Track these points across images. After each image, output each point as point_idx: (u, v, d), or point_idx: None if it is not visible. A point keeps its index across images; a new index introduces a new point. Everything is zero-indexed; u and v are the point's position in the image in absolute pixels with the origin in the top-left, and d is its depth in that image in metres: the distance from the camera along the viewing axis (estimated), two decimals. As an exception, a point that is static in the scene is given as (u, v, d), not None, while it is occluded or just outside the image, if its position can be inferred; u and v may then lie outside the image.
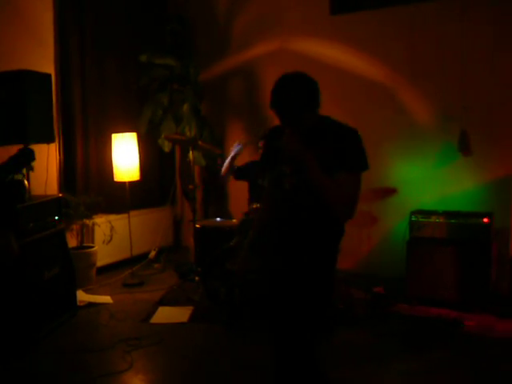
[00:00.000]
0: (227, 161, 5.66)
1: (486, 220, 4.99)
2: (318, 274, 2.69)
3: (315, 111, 2.68)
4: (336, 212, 2.63)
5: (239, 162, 5.76)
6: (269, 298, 2.82)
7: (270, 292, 2.81)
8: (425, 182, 5.78)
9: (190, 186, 5.75)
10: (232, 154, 5.62)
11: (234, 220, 5.93)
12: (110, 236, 6.15)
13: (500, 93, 5.46)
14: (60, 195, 5.39)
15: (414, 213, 5.29)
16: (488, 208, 5.32)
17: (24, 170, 4.87)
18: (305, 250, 2.68)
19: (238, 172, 5.72)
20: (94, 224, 6.15)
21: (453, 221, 5.11)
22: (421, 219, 5.23)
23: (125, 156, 6.08)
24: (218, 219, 6.10)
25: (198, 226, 5.63)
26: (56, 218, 4.97)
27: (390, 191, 5.49)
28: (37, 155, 5.34)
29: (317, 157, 2.57)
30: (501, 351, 4.18)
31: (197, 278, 5.56)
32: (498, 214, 5.25)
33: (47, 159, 5.61)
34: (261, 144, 5.63)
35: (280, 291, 2.73)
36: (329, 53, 6.36)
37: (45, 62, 5.89)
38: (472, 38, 5.55)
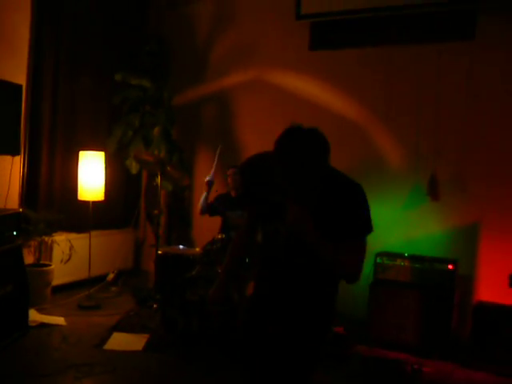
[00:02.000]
0: (201, 200, 5.71)
1: (450, 266, 4.99)
2: (313, 335, 2.58)
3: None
4: (343, 277, 2.53)
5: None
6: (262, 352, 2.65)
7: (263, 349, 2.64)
8: (392, 224, 5.77)
9: (155, 211, 5.65)
10: (205, 193, 5.68)
11: (197, 249, 5.83)
12: (68, 255, 5.99)
13: (472, 140, 5.51)
14: (20, 210, 5.23)
15: (379, 255, 5.26)
16: (453, 254, 5.33)
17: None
18: (300, 308, 2.57)
19: (211, 210, 5.81)
20: (52, 242, 5.99)
21: (417, 265, 5.10)
22: (386, 261, 5.21)
23: (91, 175, 5.95)
24: (181, 246, 5.99)
25: (159, 251, 5.52)
26: (14, 233, 4.81)
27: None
28: (0, 167, 5.22)
29: (321, 218, 2.42)
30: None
31: (155, 306, 5.43)
32: (462, 260, 5.27)
33: (10, 172, 5.49)
34: (229, 172, 5.62)
35: (273, 349, 2.60)
36: (304, 87, 6.38)
37: (17, 73, 5.78)
38: (447, 84, 5.62)
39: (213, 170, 5.82)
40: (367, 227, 2.51)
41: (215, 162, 5.86)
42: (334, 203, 2.46)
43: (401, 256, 5.22)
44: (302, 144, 2.41)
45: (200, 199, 5.78)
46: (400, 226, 5.77)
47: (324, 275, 2.53)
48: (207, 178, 5.72)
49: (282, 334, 2.57)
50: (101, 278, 6.64)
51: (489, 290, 5.30)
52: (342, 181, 2.57)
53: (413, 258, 5.17)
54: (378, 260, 5.22)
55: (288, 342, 2.56)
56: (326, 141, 2.48)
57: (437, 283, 5.01)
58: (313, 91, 6.32)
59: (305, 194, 2.47)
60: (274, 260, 2.62)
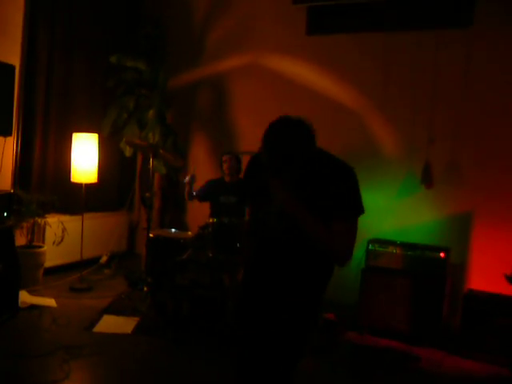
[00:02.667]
0: (186, 189, 5.64)
1: (442, 254, 4.98)
2: (304, 313, 2.60)
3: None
4: (333, 258, 2.54)
5: (200, 181, 5.75)
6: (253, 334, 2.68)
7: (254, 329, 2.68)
8: (385, 211, 5.76)
9: (147, 194, 5.62)
10: (187, 187, 5.60)
11: (189, 232, 5.82)
12: (61, 237, 5.96)
13: (467, 128, 5.49)
14: (11, 191, 5.20)
15: (371, 241, 5.25)
16: (446, 243, 5.32)
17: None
18: (294, 288, 2.59)
19: (200, 196, 5.74)
20: (45, 223, 5.96)
21: (409, 253, 5.09)
22: (378, 248, 5.20)
23: (84, 157, 5.91)
24: (173, 230, 5.97)
25: (151, 235, 5.50)
26: (5, 214, 4.79)
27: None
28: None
29: (310, 199, 2.46)
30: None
31: (146, 289, 5.42)
32: (455, 249, 5.26)
33: (3, 153, 5.47)
34: (224, 158, 5.59)
35: (264, 328, 2.62)
36: (301, 72, 6.33)
37: (11, 54, 5.73)
38: (443, 72, 5.59)
39: (194, 171, 5.73)
40: (358, 208, 2.52)
41: (186, 188, 5.72)
42: (325, 184, 2.48)
43: (393, 243, 5.21)
44: (287, 132, 2.45)
45: (185, 190, 5.69)
46: (393, 213, 5.76)
47: (317, 256, 2.54)
48: (186, 179, 5.61)
49: (273, 316, 2.59)
50: (93, 261, 6.63)
51: (480, 278, 5.30)
52: (334, 163, 2.56)
53: (405, 246, 5.16)
54: (370, 247, 5.21)
55: (278, 323, 2.57)
56: (310, 129, 2.51)
57: (428, 271, 5.00)
58: (309, 76, 6.28)
59: (292, 178, 2.48)
60: (267, 242, 2.65)
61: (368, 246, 5.22)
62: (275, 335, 2.58)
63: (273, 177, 2.47)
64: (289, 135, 2.45)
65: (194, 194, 5.68)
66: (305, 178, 2.50)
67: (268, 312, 2.61)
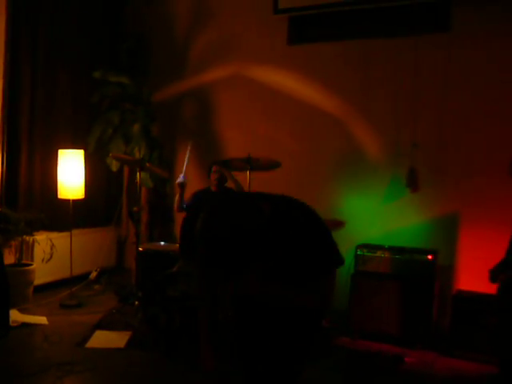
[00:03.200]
0: (176, 198, 5.65)
1: (430, 257, 5.02)
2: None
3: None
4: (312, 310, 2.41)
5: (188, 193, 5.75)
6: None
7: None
8: (372, 216, 5.82)
9: (135, 208, 5.62)
10: (178, 195, 5.61)
11: (178, 245, 5.82)
12: (50, 254, 5.97)
13: (449, 132, 5.56)
14: (-1, 210, 5.20)
15: (359, 247, 5.29)
16: (433, 245, 5.37)
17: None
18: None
19: (188, 209, 5.69)
20: (34, 241, 5.95)
21: (398, 256, 5.13)
22: (366, 253, 5.23)
23: (70, 173, 5.92)
24: (162, 243, 5.98)
25: (140, 249, 5.51)
26: (-7, 233, 4.79)
27: (338, 224, 5.48)
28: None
29: (282, 253, 2.25)
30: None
31: (137, 303, 5.42)
32: (442, 251, 5.32)
33: (-11, 172, 5.44)
34: (214, 169, 5.57)
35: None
36: (284, 81, 6.39)
37: (-7, 72, 5.74)
38: (425, 76, 5.66)
39: (183, 171, 5.73)
40: (336, 261, 2.34)
41: (186, 163, 5.74)
42: (294, 234, 2.26)
43: (381, 248, 5.26)
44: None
45: (175, 198, 5.70)
46: (380, 217, 5.81)
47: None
48: (178, 180, 5.61)
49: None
50: (83, 277, 6.61)
51: (469, 279, 5.35)
52: (291, 217, 2.30)
53: (393, 250, 5.20)
54: (359, 252, 5.25)
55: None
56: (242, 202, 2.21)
57: (417, 274, 5.04)
58: (292, 85, 6.34)
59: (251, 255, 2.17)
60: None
61: (356, 251, 5.26)
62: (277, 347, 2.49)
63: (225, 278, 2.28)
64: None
65: (184, 206, 5.67)
66: (271, 233, 2.21)
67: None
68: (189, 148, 5.72)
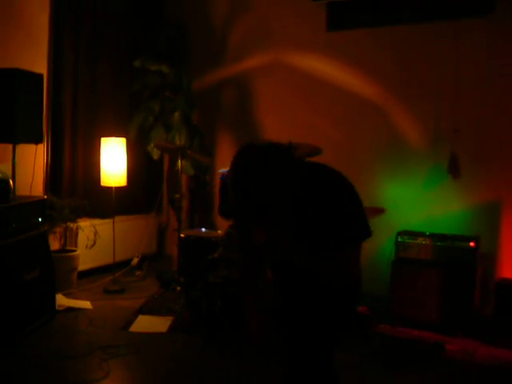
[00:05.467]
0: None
1: (472, 244, 4.97)
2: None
3: (298, 164, 2.24)
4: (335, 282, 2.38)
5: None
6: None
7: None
8: (413, 202, 5.77)
9: (177, 195, 5.69)
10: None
11: (219, 231, 5.87)
12: (93, 240, 6.09)
13: (491, 117, 5.47)
14: (45, 197, 5.32)
15: (400, 233, 5.27)
16: (475, 232, 5.30)
17: (10, 170, 4.84)
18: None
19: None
20: (77, 228, 6.08)
21: (439, 243, 5.09)
22: (407, 240, 5.20)
23: (113, 161, 6.02)
24: (203, 229, 6.04)
25: (182, 235, 5.58)
26: (39, 219, 4.90)
27: (379, 211, 5.46)
28: (24, 156, 5.35)
29: (307, 219, 2.27)
30: (482, 376, 4.16)
31: (178, 288, 5.50)
32: (484, 238, 5.25)
33: (34, 160, 5.57)
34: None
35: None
36: (323, 68, 6.36)
37: (38, 62, 5.86)
38: (466, 62, 5.57)
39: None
40: (363, 233, 2.29)
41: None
42: (325, 201, 2.26)
43: (422, 234, 5.21)
44: (255, 172, 2.12)
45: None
46: (421, 204, 5.76)
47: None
48: (221, 171, 5.65)
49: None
50: (125, 263, 6.73)
51: (511, 266, 5.29)
52: (330, 176, 2.34)
53: (434, 236, 5.16)
54: (400, 239, 5.22)
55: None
56: (282, 155, 2.21)
57: (458, 261, 4.99)
58: (331, 72, 6.31)
59: (279, 214, 2.20)
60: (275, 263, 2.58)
61: (397, 237, 5.23)
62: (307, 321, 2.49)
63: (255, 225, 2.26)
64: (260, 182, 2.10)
65: None
66: (304, 197, 2.26)
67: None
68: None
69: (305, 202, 2.26)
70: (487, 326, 4.94)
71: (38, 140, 5.32)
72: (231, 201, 2.15)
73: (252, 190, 2.09)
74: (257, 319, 2.71)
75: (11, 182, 4.63)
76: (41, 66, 5.84)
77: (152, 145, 6.61)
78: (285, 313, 2.62)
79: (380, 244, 5.59)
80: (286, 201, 2.15)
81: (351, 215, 2.26)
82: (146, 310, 5.36)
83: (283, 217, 2.22)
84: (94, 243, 6.09)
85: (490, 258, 5.40)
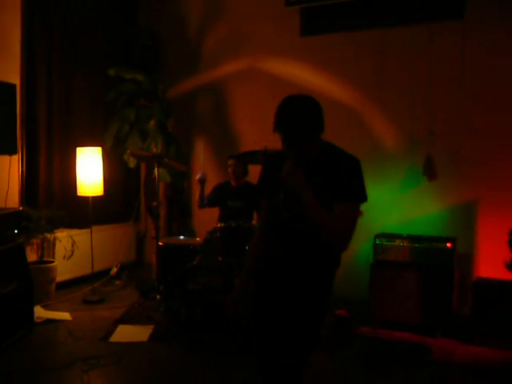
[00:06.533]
0: (196, 196, 5.80)
1: (449, 245, 5.03)
2: (315, 300, 2.65)
3: (319, 136, 2.65)
4: (330, 244, 2.58)
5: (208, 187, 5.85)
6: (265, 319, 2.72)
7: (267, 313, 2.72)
8: (390, 205, 5.82)
9: (154, 203, 5.68)
10: (199, 191, 5.75)
11: (198, 238, 5.87)
12: (71, 251, 6.05)
13: (466, 119, 5.53)
14: (20, 208, 5.27)
15: (378, 236, 5.30)
16: (451, 233, 5.36)
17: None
18: (304, 276, 2.63)
19: (209, 203, 5.80)
20: (55, 238, 6.03)
21: (416, 245, 5.14)
22: (385, 242, 5.25)
23: (89, 170, 5.98)
24: (182, 237, 6.03)
25: (160, 243, 5.56)
26: (16, 231, 4.85)
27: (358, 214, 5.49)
28: (-2, 167, 5.28)
29: (316, 187, 2.52)
30: (461, 375, 4.19)
31: (158, 297, 5.48)
32: (461, 239, 5.31)
33: (9, 171, 5.53)
34: (229, 162, 5.64)
35: (278, 313, 2.67)
36: (298, 73, 6.39)
37: (10, 73, 5.81)
38: (439, 64, 5.64)
39: (202, 168, 5.83)
40: (360, 194, 2.58)
41: (201, 158, 5.87)
42: (332, 174, 2.56)
43: (399, 236, 5.26)
44: (297, 109, 2.60)
45: (196, 195, 5.81)
46: (398, 207, 5.82)
47: (321, 242, 2.58)
48: (198, 177, 5.72)
49: (287, 301, 2.64)
50: (104, 273, 6.68)
51: (488, 266, 5.34)
52: (340, 152, 2.68)
53: (411, 238, 5.21)
54: (378, 241, 5.26)
55: (292, 307, 2.62)
56: (318, 105, 2.66)
57: (436, 262, 5.05)
58: (306, 77, 6.33)
59: (303, 157, 2.57)
60: (276, 229, 2.69)
61: (375, 240, 5.27)
62: (290, 319, 2.61)
63: (289, 148, 2.56)
64: (300, 108, 2.60)
65: (205, 202, 5.75)
66: (315, 167, 2.58)
67: (282, 297, 2.65)
68: (201, 146, 5.83)
69: (319, 168, 2.58)
70: (466, 325, 4.99)
71: (12, 151, 5.28)
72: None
73: (294, 115, 2.57)
74: (235, 302, 2.82)
75: (-14, 194, 4.58)
76: (13, 77, 5.78)
77: (128, 153, 6.57)
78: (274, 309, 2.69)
79: (358, 247, 5.63)
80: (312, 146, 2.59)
81: (351, 180, 2.56)
82: (126, 319, 5.32)
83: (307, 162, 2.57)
84: (72, 254, 6.05)
85: (467, 258, 5.47)
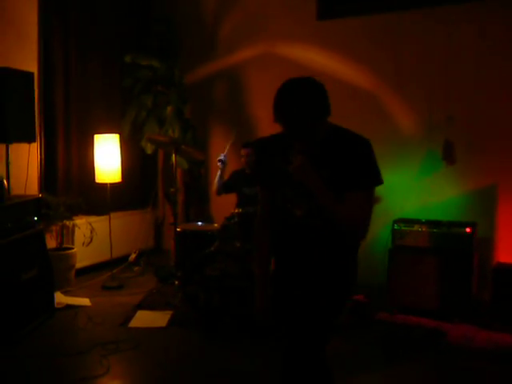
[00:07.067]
0: (216, 180, 5.81)
1: (468, 230, 4.98)
2: (339, 289, 2.61)
3: (326, 120, 2.50)
4: (349, 232, 2.51)
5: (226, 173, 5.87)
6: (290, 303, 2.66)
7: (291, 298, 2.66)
8: (408, 190, 5.79)
9: (172, 189, 5.69)
10: (218, 172, 5.76)
11: (216, 224, 5.88)
12: (90, 238, 6.09)
13: (484, 103, 5.47)
14: (40, 195, 5.32)
15: (396, 221, 5.28)
16: (471, 218, 5.32)
17: (4, 169, 4.83)
18: (327, 270, 2.57)
19: (226, 188, 5.83)
20: (74, 225, 6.07)
21: (435, 230, 5.10)
22: (403, 228, 5.21)
23: (107, 157, 6.01)
24: (200, 223, 6.05)
25: (178, 229, 5.58)
26: (35, 218, 4.89)
27: (374, 199, 5.47)
28: (17, 155, 5.33)
29: (325, 178, 2.43)
30: (481, 361, 4.17)
31: (176, 283, 5.51)
32: (480, 223, 5.26)
33: (28, 159, 5.56)
34: (243, 152, 5.62)
35: (301, 298, 2.61)
36: (314, 58, 6.34)
37: (28, 61, 5.82)
38: (457, 48, 5.57)
39: (226, 150, 5.83)
40: (374, 178, 2.49)
41: (229, 144, 5.89)
42: (342, 160, 2.46)
43: (418, 222, 5.23)
44: (299, 97, 2.40)
45: (215, 179, 5.81)
46: (416, 192, 5.78)
47: (337, 234, 2.51)
48: (220, 157, 5.74)
49: (307, 294, 2.58)
50: (123, 259, 6.73)
51: (508, 251, 5.30)
52: (349, 137, 2.54)
53: (430, 223, 5.17)
54: (396, 227, 5.23)
55: (313, 299, 2.56)
56: (322, 87, 2.48)
57: (455, 247, 5.01)
58: (323, 61, 6.29)
59: (309, 146, 2.48)
60: (291, 228, 2.60)
61: (393, 225, 5.24)
62: (311, 305, 2.56)
63: (296, 140, 2.47)
64: (302, 94, 2.41)
65: (222, 187, 5.76)
66: (323, 156, 2.47)
67: (303, 289, 2.61)
68: (234, 133, 5.84)
69: (327, 156, 2.47)
70: (485, 311, 4.96)
71: (30, 139, 5.31)
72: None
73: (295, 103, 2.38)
74: (263, 296, 2.72)
75: (5, 182, 4.62)
76: (31, 65, 5.81)
77: (145, 139, 6.59)
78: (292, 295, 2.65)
79: (377, 232, 5.60)
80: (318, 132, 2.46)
81: (363, 165, 2.46)
82: (144, 305, 5.36)
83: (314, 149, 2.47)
84: (91, 240, 6.09)
85: (487, 244, 5.42)
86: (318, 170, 2.43)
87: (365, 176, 2.47)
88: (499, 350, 4.36)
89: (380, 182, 2.51)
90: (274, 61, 6.62)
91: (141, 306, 5.33)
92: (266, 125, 6.46)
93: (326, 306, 2.56)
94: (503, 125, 5.40)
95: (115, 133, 6.20)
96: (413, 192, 5.79)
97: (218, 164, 5.76)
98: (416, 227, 5.18)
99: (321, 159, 2.47)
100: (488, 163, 5.48)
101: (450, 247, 5.03)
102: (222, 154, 5.78)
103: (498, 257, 5.39)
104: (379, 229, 5.58)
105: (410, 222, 5.26)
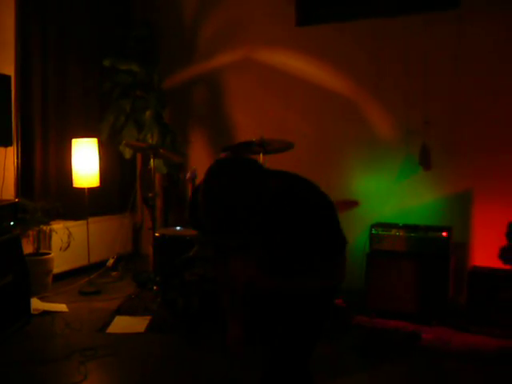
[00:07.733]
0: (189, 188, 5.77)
1: (444, 234, 5.04)
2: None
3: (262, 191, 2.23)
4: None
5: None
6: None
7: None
8: (385, 194, 5.83)
9: (150, 194, 5.67)
10: (189, 185, 5.75)
11: (195, 229, 5.86)
12: (67, 243, 6.03)
13: (462, 108, 5.53)
14: (16, 200, 5.26)
15: (374, 226, 5.31)
16: (447, 222, 5.38)
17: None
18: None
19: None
20: (51, 230, 6.01)
21: (412, 234, 5.15)
22: (381, 232, 5.25)
23: (85, 162, 5.98)
24: (178, 228, 6.03)
25: (157, 234, 5.56)
26: (11, 223, 4.84)
27: (352, 203, 5.51)
28: (-6, 159, 5.27)
29: (282, 238, 2.27)
30: (457, 364, 4.21)
31: (155, 288, 5.49)
32: (456, 228, 5.32)
33: (4, 163, 5.53)
34: (222, 155, 5.61)
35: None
36: (293, 64, 6.37)
37: (4, 64, 5.76)
38: (434, 54, 5.63)
39: (194, 169, 5.74)
40: (343, 243, 2.40)
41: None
42: (298, 224, 2.29)
43: (395, 226, 5.27)
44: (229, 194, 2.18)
45: (189, 192, 5.78)
46: (393, 196, 5.82)
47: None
48: (188, 176, 5.66)
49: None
50: (101, 264, 6.67)
51: (484, 255, 5.36)
52: (298, 197, 2.35)
53: (407, 228, 5.21)
54: (373, 231, 5.27)
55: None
56: (251, 170, 2.25)
57: (432, 251, 5.06)
58: (302, 67, 6.32)
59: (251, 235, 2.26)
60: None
61: (371, 230, 5.28)
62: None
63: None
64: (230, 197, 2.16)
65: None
66: (273, 216, 2.25)
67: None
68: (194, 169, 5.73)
69: (278, 216, 2.27)
70: (461, 314, 5.01)
71: (7, 143, 5.27)
72: (202, 214, 2.19)
73: (223, 203, 2.14)
74: (235, 333, 2.76)
75: (-19, 187, 4.57)
76: (8, 69, 5.75)
77: (124, 144, 6.56)
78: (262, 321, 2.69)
79: (354, 237, 5.62)
80: (255, 213, 2.17)
81: (331, 225, 2.36)
82: (123, 310, 5.32)
83: (254, 230, 2.22)
84: (68, 245, 6.04)
85: (463, 247, 5.49)
86: (274, 223, 2.26)
87: (335, 244, 2.43)
88: (475, 352, 4.41)
89: (347, 241, 2.47)
90: (252, 66, 6.64)
91: (119, 311, 5.30)
92: (245, 129, 6.52)
93: (301, 329, 2.53)
94: (479, 130, 5.47)
95: (93, 137, 6.17)
96: (391, 196, 5.83)
97: (188, 182, 5.67)
98: (393, 231, 5.22)
99: (276, 214, 2.29)
100: (464, 168, 5.54)
101: (426, 251, 5.07)
102: (190, 172, 5.67)
103: (473, 261, 5.45)
104: (357, 233, 5.61)
105: (387, 226, 5.30)
